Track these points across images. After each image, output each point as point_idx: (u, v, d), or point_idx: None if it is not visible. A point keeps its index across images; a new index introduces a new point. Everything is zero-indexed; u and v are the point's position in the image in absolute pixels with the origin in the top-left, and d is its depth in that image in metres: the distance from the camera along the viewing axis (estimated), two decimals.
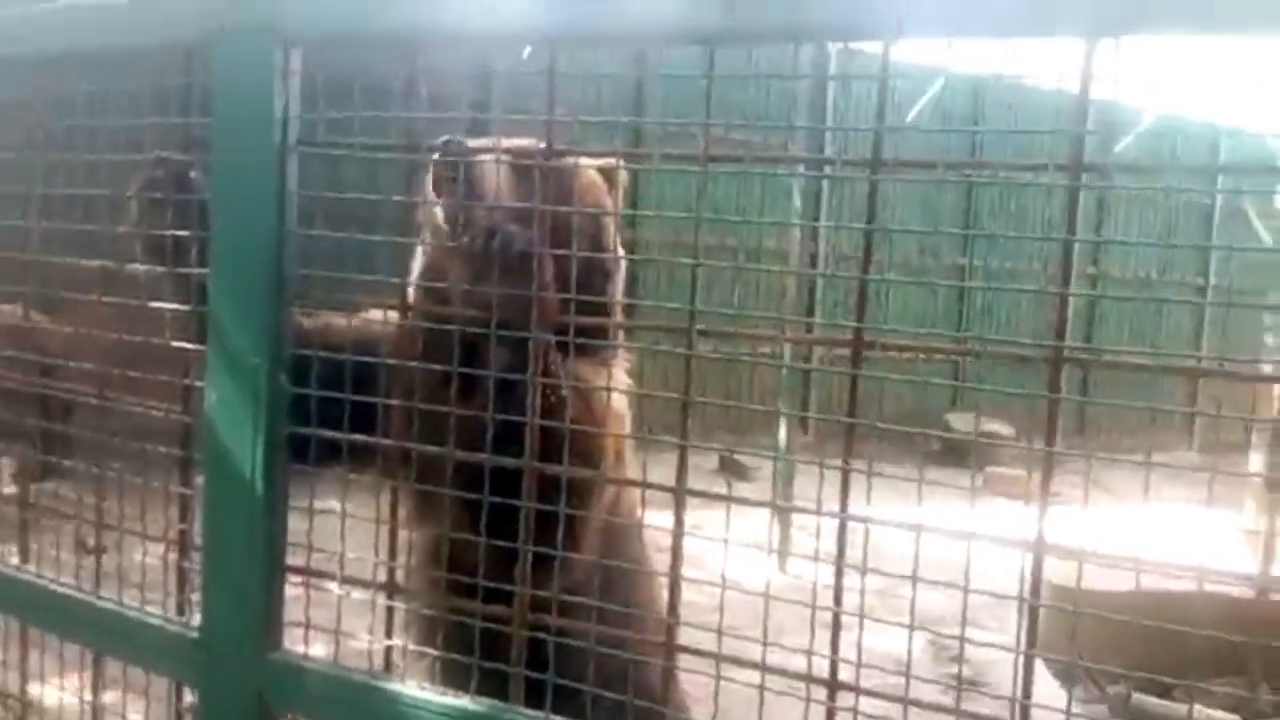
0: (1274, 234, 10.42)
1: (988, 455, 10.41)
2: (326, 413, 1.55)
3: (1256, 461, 8.69)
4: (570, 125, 1.39)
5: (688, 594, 1.40)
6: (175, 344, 1.70)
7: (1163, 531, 1.04)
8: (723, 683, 1.33)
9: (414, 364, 1.51)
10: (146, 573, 1.76)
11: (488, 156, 1.67)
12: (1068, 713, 1.24)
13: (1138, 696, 4.98)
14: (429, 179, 1.65)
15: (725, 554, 1.33)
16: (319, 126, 1.54)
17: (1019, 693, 1.16)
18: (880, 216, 1.22)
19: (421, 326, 1.54)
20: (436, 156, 1.62)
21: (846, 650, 1.27)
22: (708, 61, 1.25)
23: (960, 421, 11.29)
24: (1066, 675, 4.70)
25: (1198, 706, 4.94)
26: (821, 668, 1.27)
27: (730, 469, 8.55)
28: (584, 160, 1.81)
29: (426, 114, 1.48)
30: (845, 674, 1.28)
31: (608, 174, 1.95)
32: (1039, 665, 1.23)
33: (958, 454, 9.17)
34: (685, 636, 1.40)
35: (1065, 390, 1.12)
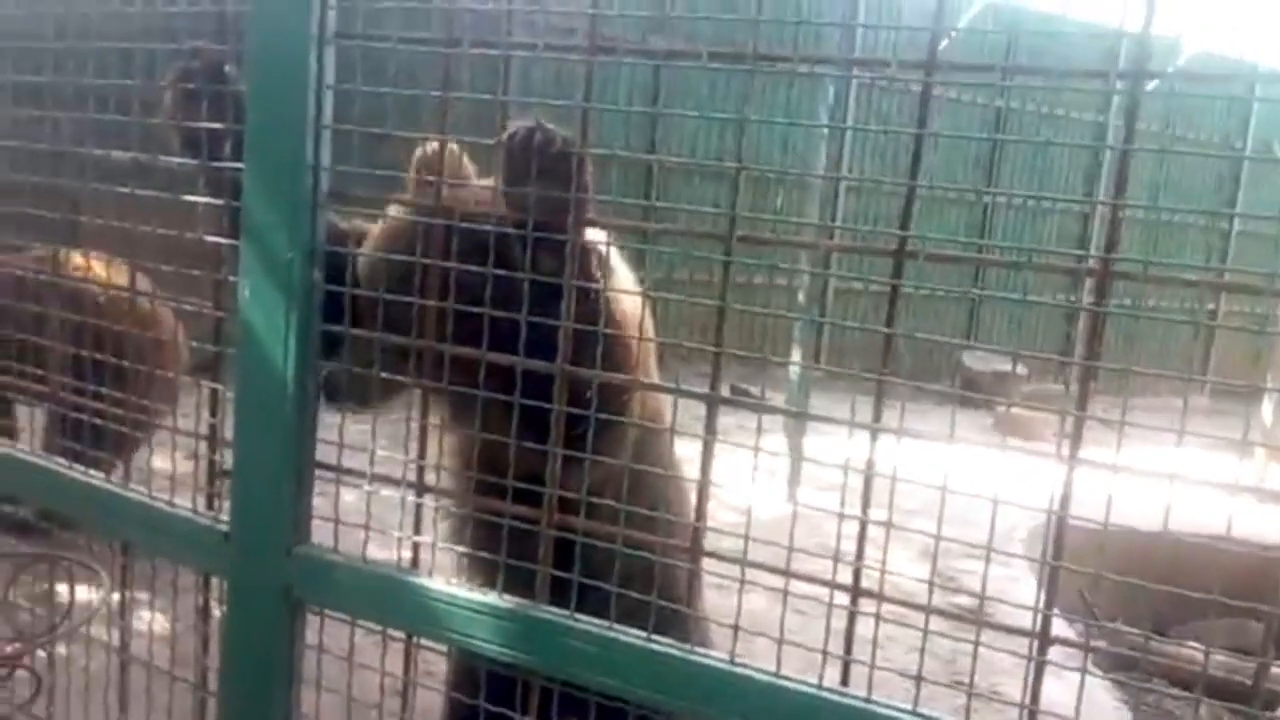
0: None
1: (999, 395, 10.42)
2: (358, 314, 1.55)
3: (1268, 409, 8.69)
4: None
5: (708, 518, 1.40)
6: (209, 239, 1.69)
7: (1196, 480, 1.03)
8: (729, 601, 1.34)
9: (449, 266, 1.50)
10: (175, 472, 1.77)
11: None
12: (1085, 647, 1.25)
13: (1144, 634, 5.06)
14: None
15: (755, 458, 1.34)
16: (357, 17, 1.51)
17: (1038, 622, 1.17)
18: (902, 153, 1.19)
19: (457, 228, 1.53)
20: None
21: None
22: None
23: (975, 361, 11.27)
24: (1063, 610, 4.76)
25: (1194, 643, 5.03)
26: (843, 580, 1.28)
27: (741, 404, 8.51)
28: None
29: (467, 6, 1.44)
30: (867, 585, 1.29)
31: None
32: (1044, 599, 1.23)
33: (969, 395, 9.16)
34: (710, 547, 1.41)
35: (1079, 341, 1.11)
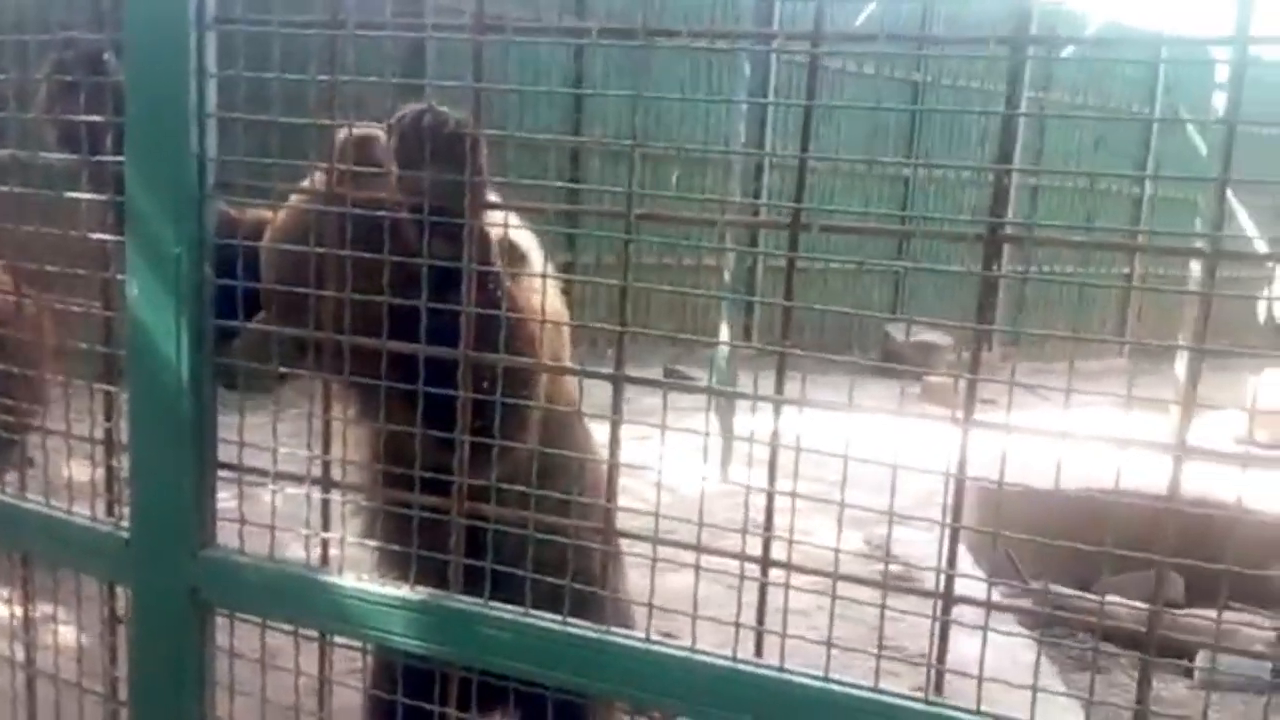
0: (1211, 147, 10.58)
1: (924, 366, 10.62)
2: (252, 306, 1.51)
3: (1180, 368, 9.01)
4: None
5: (629, 500, 1.40)
6: (93, 236, 1.63)
7: (1088, 436, 1.06)
8: (659, 582, 1.33)
9: (343, 253, 1.46)
10: (73, 480, 1.71)
11: None
12: (988, 604, 1.28)
13: (1055, 588, 5.21)
14: None
15: (663, 439, 1.33)
16: (238, 1, 1.46)
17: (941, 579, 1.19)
18: (823, 127, 1.20)
19: (349, 214, 1.49)
20: None
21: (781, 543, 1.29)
22: None
23: (900, 332, 11.46)
24: (992, 571, 4.89)
25: (1112, 596, 5.20)
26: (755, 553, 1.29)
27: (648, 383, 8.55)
28: None
29: None
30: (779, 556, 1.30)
31: None
32: (966, 562, 1.25)
33: (891, 365, 9.31)
34: (625, 529, 1.41)
35: (1000, 308, 1.12)
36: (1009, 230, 1.13)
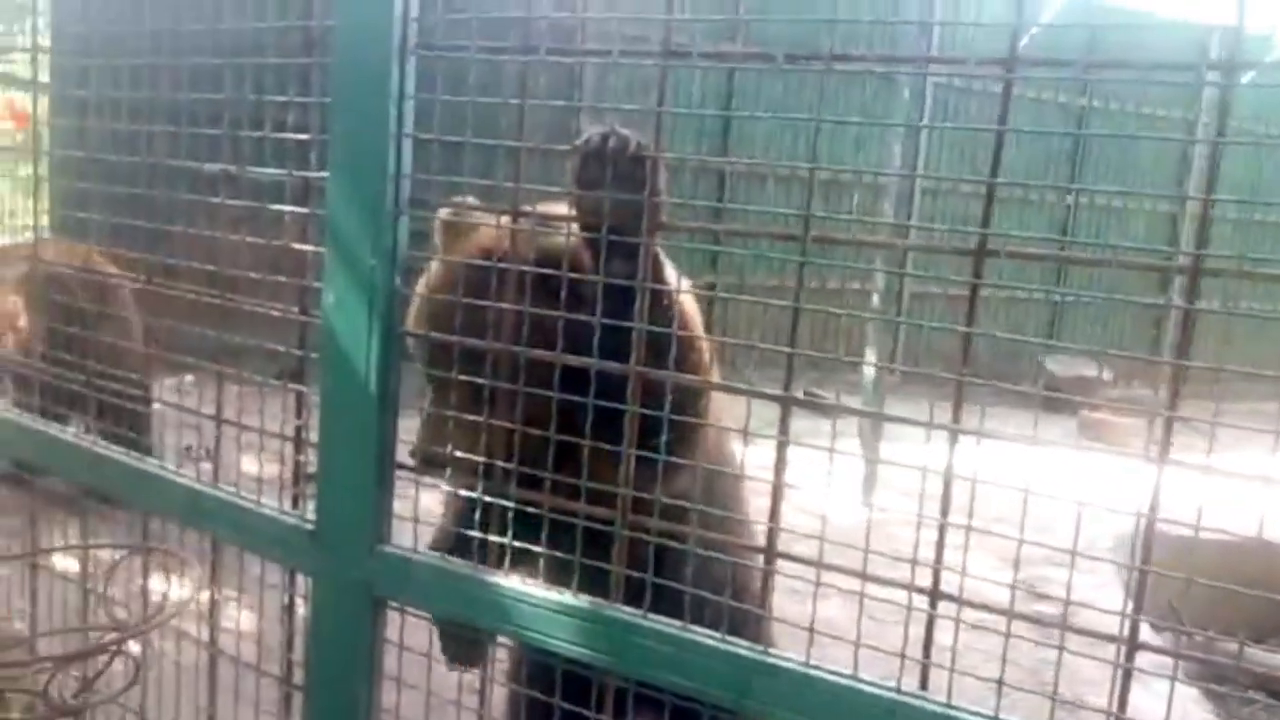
0: None
1: (1082, 399, 10.15)
2: None
3: None
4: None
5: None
6: (295, 246, 1.75)
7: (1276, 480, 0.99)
8: (803, 610, 1.32)
9: (525, 269, 1.52)
10: (262, 473, 1.83)
11: None
12: (1176, 654, 1.22)
13: (1234, 642, 4.86)
14: None
15: (831, 461, 1.33)
16: (438, 28, 1.54)
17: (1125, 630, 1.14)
18: (982, 152, 1.18)
19: (535, 232, 1.55)
20: None
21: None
22: None
23: (1057, 365, 10.99)
24: (1161, 618, 4.61)
25: None
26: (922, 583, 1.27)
27: (814, 406, 8.46)
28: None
29: (545, 14, 1.46)
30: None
31: None
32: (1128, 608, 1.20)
33: (1053, 399, 8.94)
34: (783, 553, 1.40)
35: (1168, 345, 1.07)
36: (1214, 263, 1.08)
